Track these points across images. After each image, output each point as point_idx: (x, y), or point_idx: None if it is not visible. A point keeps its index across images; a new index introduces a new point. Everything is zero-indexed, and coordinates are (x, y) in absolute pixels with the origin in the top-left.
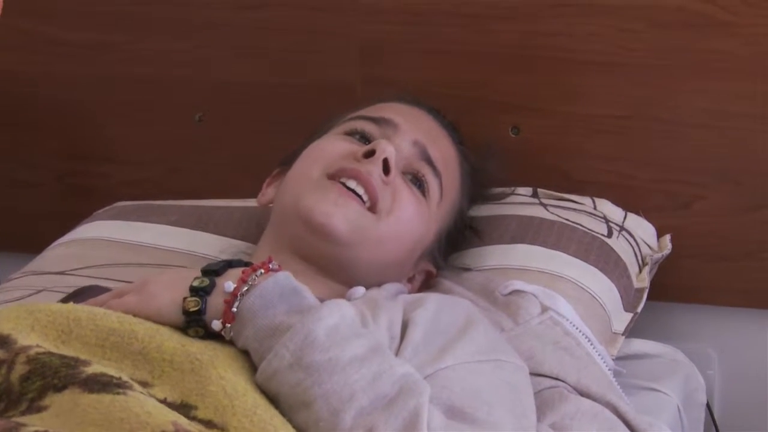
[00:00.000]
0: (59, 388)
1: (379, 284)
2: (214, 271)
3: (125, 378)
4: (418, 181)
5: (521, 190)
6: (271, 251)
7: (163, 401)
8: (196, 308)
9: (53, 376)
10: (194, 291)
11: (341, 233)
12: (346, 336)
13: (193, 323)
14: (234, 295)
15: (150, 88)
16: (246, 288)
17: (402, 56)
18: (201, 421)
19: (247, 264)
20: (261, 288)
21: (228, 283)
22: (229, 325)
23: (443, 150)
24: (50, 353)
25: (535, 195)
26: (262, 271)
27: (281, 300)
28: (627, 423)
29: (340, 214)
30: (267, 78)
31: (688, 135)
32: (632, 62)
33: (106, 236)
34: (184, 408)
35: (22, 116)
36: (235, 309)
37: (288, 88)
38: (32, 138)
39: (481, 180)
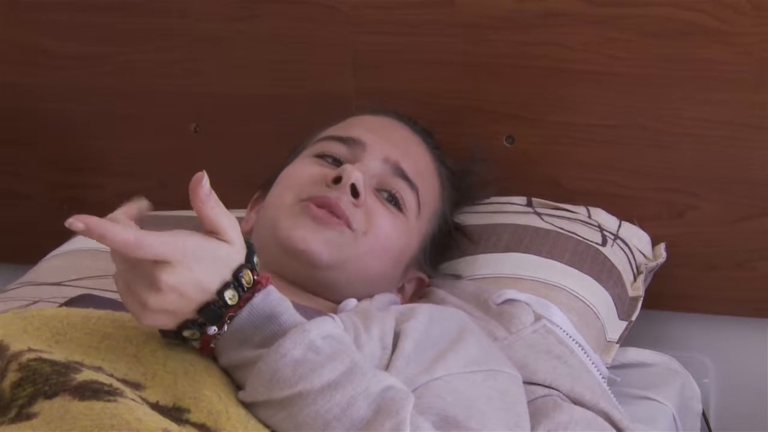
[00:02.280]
0: (49, 395)
1: (369, 296)
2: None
3: (116, 384)
4: (392, 198)
5: (516, 199)
6: None
7: (155, 404)
8: (194, 338)
9: (44, 383)
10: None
11: (321, 256)
12: (315, 365)
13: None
14: (212, 337)
15: (145, 99)
16: (224, 329)
17: (396, 67)
18: (194, 425)
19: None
20: (235, 324)
21: (213, 328)
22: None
23: (417, 160)
24: (41, 360)
25: (529, 204)
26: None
27: (255, 332)
28: (620, 431)
29: (317, 238)
30: (262, 89)
31: (680, 144)
32: (624, 71)
33: (101, 247)
34: (176, 411)
35: (15, 128)
36: (212, 345)
37: (283, 100)
38: (26, 150)
39: (464, 183)
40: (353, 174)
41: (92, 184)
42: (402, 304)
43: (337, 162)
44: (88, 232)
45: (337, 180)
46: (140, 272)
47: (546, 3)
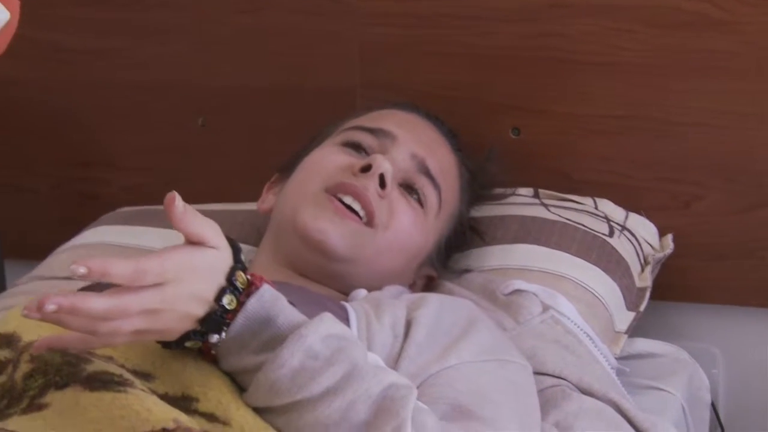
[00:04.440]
0: (60, 386)
1: (379, 289)
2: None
3: (126, 375)
4: (415, 193)
5: (522, 190)
6: (268, 261)
7: (164, 396)
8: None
9: (55, 373)
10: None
11: (338, 249)
12: (314, 372)
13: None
14: (212, 344)
15: (152, 93)
16: (223, 336)
17: (402, 59)
18: (203, 415)
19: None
20: (232, 331)
21: (215, 336)
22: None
23: (442, 160)
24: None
25: (536, 195)
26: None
27: (252, 337)
28: (630, 421)
29: (336, 231)
30: (269, 83)
31: (686, 134)
32: (630, 62)
33: (110, 241)
34: (184, 401)
35: (24, 123)
36: (213, 351)
37: (289, 92)
38: (35, 145)
39: (480, 183)
40: (383, 164)
41: (101, 179)
42: None
43: (365, 151)
44: (90, 274)
45: (366, 168)
46: (135, 299)
47: None
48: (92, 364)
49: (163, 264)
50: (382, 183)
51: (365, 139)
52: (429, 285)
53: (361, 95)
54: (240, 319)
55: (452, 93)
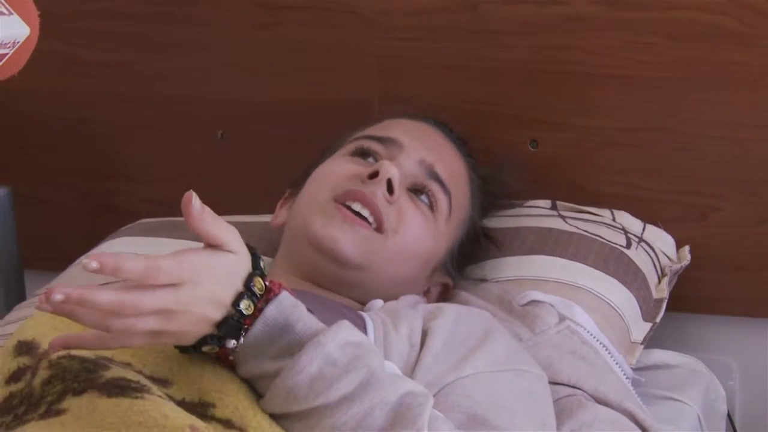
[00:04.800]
0: (78, 392)
1: (394, 298)
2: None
3: (144, 381)
4: (424, 195)
5: (540, 202)
6: (283, 273)
7: (181, 402)
8: (212, 352)
9: (73, 380)
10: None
11: (350, 256)
12: (332, 379)
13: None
14: (230, 349)
15: (171, 106)
16: (241, 342)
17: (420, 72)
18: (219, 421)
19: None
20: (250, 337)
21: (232, 341)
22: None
23: (451, 165)
24: (71, 357)
25: (554, 207)
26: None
27: (271, 344)
28: (645, 431)
29: (346, 238)
30: (287, 96)
31: (703, 146)
32: (647, 75)
33: (129, 252)
34: (201, 407)
35: (44, 135)
36: (231, 357)
37: (308, 106)
38: (55, 157)
39: (493, 190)
40: (390, 170)
41: (121, 191)
42: None
43: (373, 160)
44: (102, 270)
45: (374, 175)
46: (147, 296)
47: (568, 7)
48: (110, 370)
49: (179, 264)
50: (390, 188)
51: (373, 147)
52: (444, 294)
53: (380, 109)
54: (258, 325)
55: (470, 106)
